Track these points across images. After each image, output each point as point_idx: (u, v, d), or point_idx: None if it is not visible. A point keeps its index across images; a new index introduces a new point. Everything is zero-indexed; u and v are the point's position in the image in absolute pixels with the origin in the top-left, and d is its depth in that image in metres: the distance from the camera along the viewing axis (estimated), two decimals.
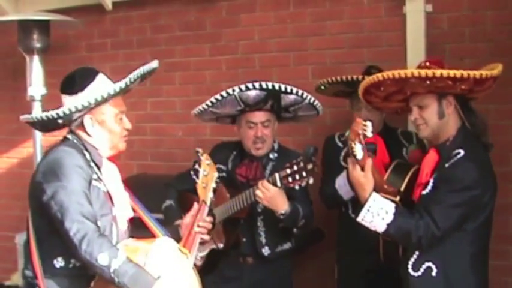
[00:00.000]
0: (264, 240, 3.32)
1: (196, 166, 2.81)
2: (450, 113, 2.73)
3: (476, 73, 2.59)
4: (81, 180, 2.39)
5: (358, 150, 2.60)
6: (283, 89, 3.14)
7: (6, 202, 5.56)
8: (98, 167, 2.53)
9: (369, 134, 2.60)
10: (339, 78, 3.49)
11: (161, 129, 4.97)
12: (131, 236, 2.61)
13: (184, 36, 4.81)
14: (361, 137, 2.58)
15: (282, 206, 3.06)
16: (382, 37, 4.17)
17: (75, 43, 5.19)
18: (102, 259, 2.23)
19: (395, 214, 2.60)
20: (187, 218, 2.82)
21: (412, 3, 4.00)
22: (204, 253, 3.14)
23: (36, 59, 4.59)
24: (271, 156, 3.37)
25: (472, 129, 2.74)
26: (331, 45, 4.30)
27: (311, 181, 2.85)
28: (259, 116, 3.27)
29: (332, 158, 3.54)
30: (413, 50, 3.96)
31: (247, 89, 3.12)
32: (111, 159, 2.63)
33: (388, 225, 2.60)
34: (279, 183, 2.96)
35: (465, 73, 2.58)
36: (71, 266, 2.41)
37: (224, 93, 3.16)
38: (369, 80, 2.82)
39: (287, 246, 3.38)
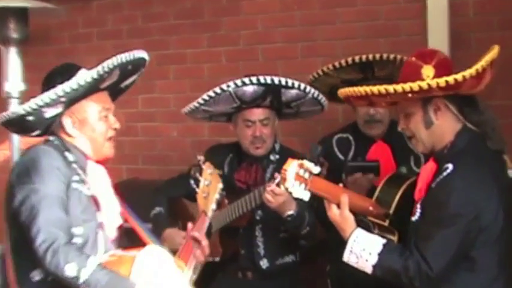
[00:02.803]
0: (262, 252, 3.35)
1: (197, 175, 2.85)
2: (440, 118, 2.60)
3: (440, 81, 2.46)
4: (58, 183, 2.42)
5: (301, 192, 2.61)
6: (283, 83, 3.16)
7: None
8: (83, 169, 2.57)
9: (316, 170, 2.62)
10: (347, 60, 3.41)
11: (154, 129, 4.97)
12: (121, 247, 2.63)
13: (179, 25, 4.82)
14: (305, 176, 2.60)
15: (290, 206, 3.08)
16: (401, 25, 4.18)
17: (57, 33, 5.16)
18: (69, 270, 2.24)
19: (380, 254, 2.53)
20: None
21: None
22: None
23: (13, 50, 4.60)
24: (271, 157, 3.40)
25: (479, 129, 2.60)
26: (343, 34, 4.30)
27: (312, 193, 2.85)
28: (257, 114, 3.30)
29: (329, 168, 3.26)
30: (435, 40, 3.95)
31: (244, 84, 3.15)
32: (99, 162, 2.65)
33: (374, 267, 2.54)
34: (282, 187, 2.91)
35: (423, 84, 2.47)
36: (50, 279, 2.41)
37: (218, 90, 3.18)
38: (340, 93, 2.82)
39: (289, 259, 3.41)
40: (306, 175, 2.62)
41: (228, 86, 3.17)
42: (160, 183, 3.67)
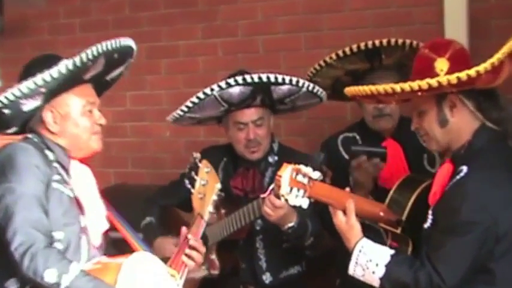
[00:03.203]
0: (264, 265, 3.33)
1: (193, 173, 2.82)
2: (456, 116, 2.57)
3: (451, 78, 2.43)
4: (36, 182, 2.40)
5: (299, 199, 2.61)
6: (272, 79, 3.11)
7: None
8: (65, 169, 2.55)
9: (315, 175, 2.61)
10: (351, 48, 3.35)
11: (144, 129, 4.98)
12: (106, 254, 2.62)
13: (171, 14, 4.82)
14: (303, 182, 2.60)
15: (291, 218, 3.04)
16: (414, 13, 4.18)
17: (35, 24, 5.17)
18: (49, 275, 2.21)
19: (387, 265, 2.51)
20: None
21: None
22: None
23: None
24: (270, 159, 3.37)
25: (499, 127, 2.56)
26: (351, 23, 4.30)
27: (313, 200, 2.77)
28: (249, 115, 3.26)
29: (334, 170, 3.30)
30: (452, 29, 3.94)
31: (229, 85, 3.11)
32: (83, 161, 2.63)
33: (381, 279, 2.52)
34: (282, 198, 2.91)
35: (433, 82, 2.44)
36: None
37: (201, 95, 3.15)
38: (347, 92, 2.81)
39: (294, 270, 3.39)
40: (305, 180, 2.61)
41: (212, 90, 3.12)
42: (151, 192, 3.64)
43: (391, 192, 2.79)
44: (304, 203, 2.62)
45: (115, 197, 3.39)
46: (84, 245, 2.51)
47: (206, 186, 2.82)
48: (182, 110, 3.26)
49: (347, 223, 2.61)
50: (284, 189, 2.59)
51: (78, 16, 5.06)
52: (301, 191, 2.60)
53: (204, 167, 2.84)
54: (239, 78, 3.10)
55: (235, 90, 3.12)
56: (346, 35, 4.27)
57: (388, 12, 4.23)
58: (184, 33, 4.79)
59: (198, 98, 3.16)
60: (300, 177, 2.60)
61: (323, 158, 2.85)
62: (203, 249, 2.80)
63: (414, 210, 2.70)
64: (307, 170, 2.61)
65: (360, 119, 3.53)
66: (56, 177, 2.48)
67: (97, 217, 2.60)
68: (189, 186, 2.81)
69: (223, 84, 3.11)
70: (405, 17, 4.17)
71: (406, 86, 2.47)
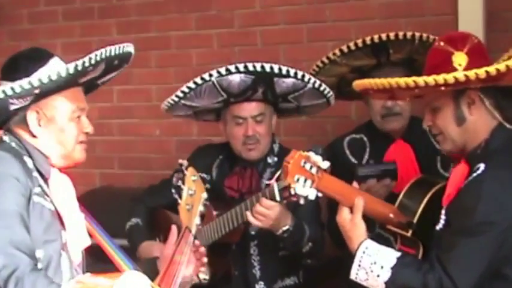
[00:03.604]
0: (258, 273, 3.33)
1: (179, 183, 2.79)
2: (475, 114, 2.56)
3: (480, 72, 2.40)
4: (17, 195, 2.33)
5: (306, 189, 2.60)
6: (276, 70, 3.11)
7: None
8: (44, 179, 2.49)
9: (324, 165, 2.60)
10: (356, 43, 3.35)
11: (132, 127, 4.98)
12: (88, 271, 2.49)
13: (162, 2, 4.82)
14: (311, 171, 2.59)
15: (286, 220, 3.04)
16: (426, 3, 4.17)
17: (12, 11, 5.17)
18: None
19: (393, 268, 2.50)
20: (168, 249, 2.77)
21: None
22: None
23: None
24: (269, 160, 3.37)
25: None
26: (357, 14, 4.30)
27: (320, 193, 2.76)
28: (248, 109, 3.27)
29: (340, 174, 3.21)
30: (466, 21, 3.95)
31: (229, 72, 3.11)
32: (62, 169, 2.58)
33: (386, 283, 2.51)
34: (278, 197, 2.89)
35: (460, 76, 2.41)
36: None
37: (199, 80, 3.16)
38: (356, 86, 2.80)
39: (291, 281, 3.38)
40: (313, 170, 2.61)
41: (211, 76, 3.13)
42: (140, 192, 3.63)
43: (402, 193, 2.79)
44: (312, 194, 2.61)
45: (100, 200, 3.39)
46: (65, 263, 2.47)
47: (194, 197, 2.79)
48: (177, 96, 3.25)
49: (351, 221, 2.61)
50: (292, 177, 2.59)
51: (61, 3, 5.04)
52: (309, 181, 2.60)
53: (191, 175, 2.80)
54: (240, 66, 3.11)
55: (236, 78, 3.13)
56: (352, 27, 4.28)
57: (398, 2, 4.22)
58: (176, 23, 4.78)
59: (195, 83, 3.17)
60: (308, 166, 2.60)
61: (321, 152, 2.78)
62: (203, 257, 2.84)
63: (426, 214, 2.69)
64: (317, 158, 2.61)
65: (367, 120, 3.53)
66: (37, 189, 2.42)
67: (77, 232, 2.55)
68: (176, 196, 2.79)
69: (223, 70, 3.12)
70: (416, 8, 4.17)
71: (430, 79, 2.44)
